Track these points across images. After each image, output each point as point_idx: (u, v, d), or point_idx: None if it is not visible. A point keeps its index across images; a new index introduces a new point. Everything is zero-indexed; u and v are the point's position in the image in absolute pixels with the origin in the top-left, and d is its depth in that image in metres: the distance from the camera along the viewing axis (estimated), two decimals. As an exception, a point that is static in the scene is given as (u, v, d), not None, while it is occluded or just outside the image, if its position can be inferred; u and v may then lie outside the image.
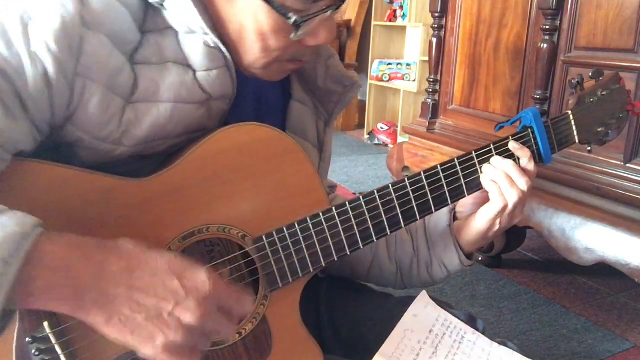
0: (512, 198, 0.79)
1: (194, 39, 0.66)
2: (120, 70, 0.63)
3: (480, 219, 0.82)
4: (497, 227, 0.82)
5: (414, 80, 3.86)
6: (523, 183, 0.79)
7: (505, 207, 0.80)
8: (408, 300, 0.84)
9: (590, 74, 0.90)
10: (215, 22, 0.67)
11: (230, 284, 0.60)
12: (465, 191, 0.80)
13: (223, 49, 0.67)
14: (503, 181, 0.79)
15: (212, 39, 0.66)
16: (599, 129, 0.90)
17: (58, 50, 0.58)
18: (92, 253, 0.52)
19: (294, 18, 0.63)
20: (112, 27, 0.62)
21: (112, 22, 0.62)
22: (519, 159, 0.82)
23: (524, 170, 0.81)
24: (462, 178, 0.80)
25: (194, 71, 0.68)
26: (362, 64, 4.49)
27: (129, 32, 0.64)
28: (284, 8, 0.63)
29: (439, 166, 0.78)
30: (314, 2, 0.63)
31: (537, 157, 0.84)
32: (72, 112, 0.62)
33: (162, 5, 0.65)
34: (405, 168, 2.01)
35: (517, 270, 1.95)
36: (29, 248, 0.49)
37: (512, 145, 0.82)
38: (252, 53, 0.69)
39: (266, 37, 0.66)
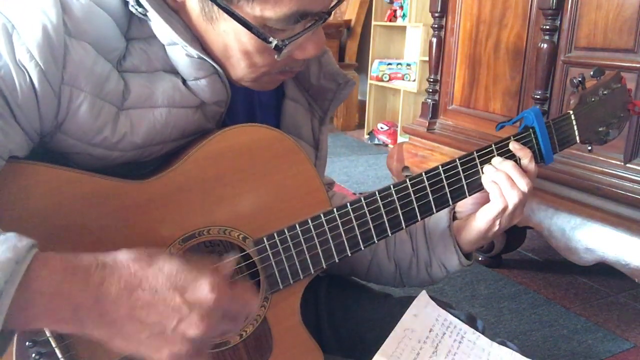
0: (513, 199, 0.79)
1: (178, 50, 0.66)
2: (108, 77, 0.62)
3: (480, 220, 0.82)
4: (497, 227, 0.82)
5: (414, 80, 3.86)
6: (524, 184, 0.79)
7: (505, 207, 0.80)
8: (408, 300, 0.84)
9: (592, 73, 0.90)
10: (199, 39, 0.67)
11: (234, 284, 0.58)
12: (467, 192, 0.80)
13: (207, 58, 0.66)
14: (504, 182, 0.79)
15: (194, 52, 0.65)
16: (600, 129, 0.90)
17: (42, 59, 0.57)
18: (88, 275, 0.51)
19: (274, 42, 0.62)
20: (95, 35, 0.61)
21: (95, 29, 0.61)
22: (519, 159, 0.82)
23: (524, 171, 0.81)
24: (463, 179, 0.80)
25: (184, 80, 0.68)
26: (362, 64, 4.49)
27: (113, 39, 0.63)
28: (264, 32, 0.62)
29: (440, 167, 0.78)
30: (295, 22, 0.62)
31: (538, 157, 0.84)
32: (60, 121, 0.62)
33: (145, 15, 0.64)
34: (405, 168, 2.01)
35: (517, 270, 1.95)
36: (23, 275, 0.47)
37: (513, 146, 0.82)
38: (240, 69, 0.68)
39: (251, 55, 0.66)
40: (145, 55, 0.66)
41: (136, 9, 0.64)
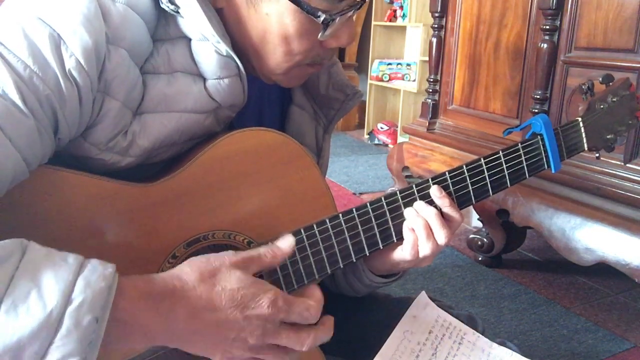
0: (425, 252, 0.75)
1: (207, 47, 0.65)
2: (136, 84, 0.63)
3: (388, 258, 0.79)
4: (401, 267, 0.80)
5: (414, 80, 3.86)
6: (442, 236, 0.74)
7: (415, 259, 0.76)
8: (407, 301, 0.83)
9: (600, 79, 0.89)
10: (235, 30, 0.67)
11: (294, 298, 0.60)
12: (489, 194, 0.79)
13: (235, 58, 0.66)
14: (421, 232, 0.74)
15: (224, 48, 0.65)
16: (608, 136, 0.89)
17: (89, 68, 0.57)
18: (159, 303, 0.52)
19: (322, 16, 0.63)
20: (131, 40, 0.61)
21: (131, 34, 0.61)
22: (440, 208, 0.76)
23: (448, 220, 0.75)
24: (486, 177, 0.79)
25: (204, 80, 0.67)
26: (362, 64, 4.49)
27: (145, 44, 0.63)
28: (312, 8, 0.63)
29: (469, 165, 0.77)
30: (340, 1, 0.64)
31: (546, 165, 0.83)
32: (87, 127, 0.62)
33: (177, 12, 0.64)
34: (405, 168, 2.01)
35: (517, 270, 1.95)
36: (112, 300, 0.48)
37: (434, 192, 0.76)
38: (275, 58, 0.68)
39: (290, 40, 0.66)
40: (167, 56, 0.65)
41: (168, 6, 0.63)
